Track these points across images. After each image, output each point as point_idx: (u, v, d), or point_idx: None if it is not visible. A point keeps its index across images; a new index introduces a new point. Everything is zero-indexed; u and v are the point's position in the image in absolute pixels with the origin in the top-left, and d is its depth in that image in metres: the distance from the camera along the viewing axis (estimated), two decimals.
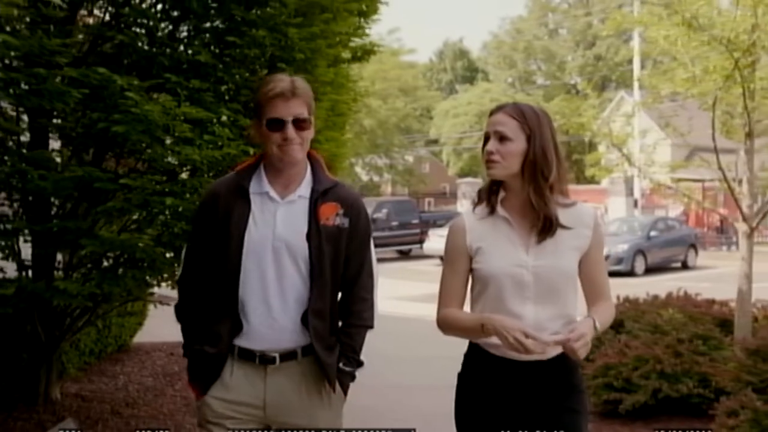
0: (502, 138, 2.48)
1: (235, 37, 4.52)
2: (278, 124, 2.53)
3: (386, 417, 6.03)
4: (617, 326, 6.56)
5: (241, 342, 2.57)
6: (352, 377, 2.69)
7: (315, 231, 2.56)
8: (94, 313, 5.99)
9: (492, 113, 2.56)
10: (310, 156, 2.68)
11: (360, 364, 2.70)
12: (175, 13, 4.85)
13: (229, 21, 4.64)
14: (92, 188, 4.39)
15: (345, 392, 2.68)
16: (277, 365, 2.56)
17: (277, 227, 2.56)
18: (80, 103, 4.24)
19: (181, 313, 2.73)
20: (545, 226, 2.48)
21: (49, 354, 5.71)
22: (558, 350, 2.45)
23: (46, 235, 4.85)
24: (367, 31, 6.60)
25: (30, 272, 5.20)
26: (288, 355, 2.57)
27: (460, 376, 2.65)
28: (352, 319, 2.69)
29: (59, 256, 5.41)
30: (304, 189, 2.62)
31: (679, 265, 21.59)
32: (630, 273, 18.89)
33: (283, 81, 2.56)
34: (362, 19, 6.41)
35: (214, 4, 4.68)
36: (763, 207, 6.84)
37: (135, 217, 5.03)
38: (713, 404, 5.50)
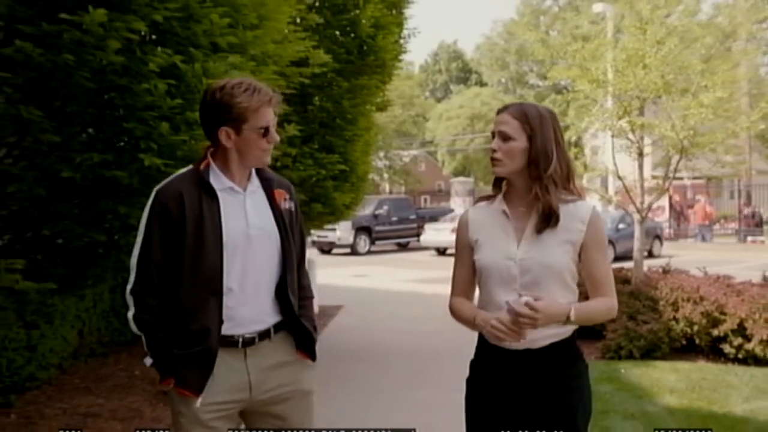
0: (505, 137, 2.50)
1: (311, 105, 7.61)
2: (266, 132, 2.57)
3: (396, 346, 8.90)
4: None
5: (223, 330, 2.57)
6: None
7: (279, 215, 2.68)
8: None
9: (498, 112, 2.57)
10: None
11: (316, 331, 2.81)
12: None
13: (306, 95, 7.69)
14: None
15: (314, 358, 2.77)
16: (256, 345, 2.61)
17: (249, 217, 2.62)
18: None
19: (143, 323, 2.57)
20: (546, 215, 2.48)
21: None
22: (548, 340, 2.47)
23: None
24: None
25: None
26: (263, 335, 2.63)
27: (472, 363, 2.68)
28: (305, 292, 2.81)
29: None
30: (255, 180, 2.69)
31: (645, 254, 23.49)
32: None
33: (263, 89, 2.55)
34: (383, 84, 9.44)
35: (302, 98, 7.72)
36: (650, 203, 9.99)
37: None
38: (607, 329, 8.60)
